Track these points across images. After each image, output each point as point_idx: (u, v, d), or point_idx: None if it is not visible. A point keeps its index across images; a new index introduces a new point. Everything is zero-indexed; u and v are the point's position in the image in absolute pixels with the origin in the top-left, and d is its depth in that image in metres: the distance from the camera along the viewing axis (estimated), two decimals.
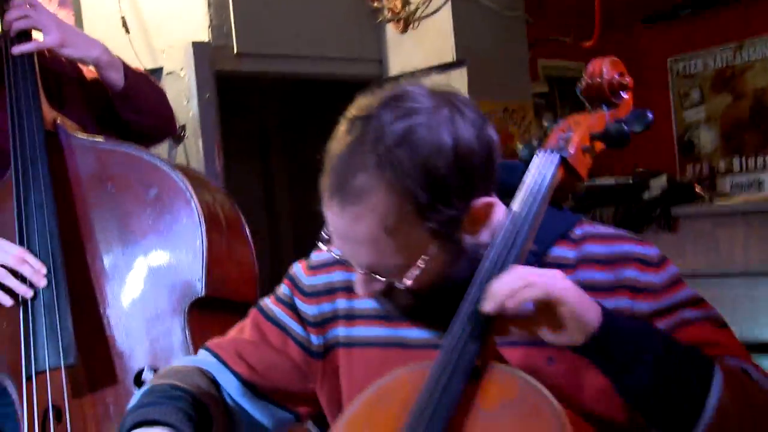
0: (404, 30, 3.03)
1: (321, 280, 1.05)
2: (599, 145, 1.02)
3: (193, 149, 2.61)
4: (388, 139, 0.83)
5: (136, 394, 1.00)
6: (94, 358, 1.47)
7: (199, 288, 1.50)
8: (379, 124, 0.84)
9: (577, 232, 0.97)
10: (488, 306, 0.80)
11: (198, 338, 1.46)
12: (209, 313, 1.52)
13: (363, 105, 0.87)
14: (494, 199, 0.91)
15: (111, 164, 1.55)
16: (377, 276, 0.88)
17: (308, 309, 1.04)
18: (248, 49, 2.78)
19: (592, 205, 2.80)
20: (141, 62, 2.53)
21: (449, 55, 2.95)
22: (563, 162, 0.96)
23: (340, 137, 0.87)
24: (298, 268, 1.08)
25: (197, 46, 2.66)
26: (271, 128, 3.97)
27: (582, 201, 2.61)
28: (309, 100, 3.61)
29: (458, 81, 2.94)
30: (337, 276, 1.04)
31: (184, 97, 2.67)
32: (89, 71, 1.71)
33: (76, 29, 1.71)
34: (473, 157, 0.86)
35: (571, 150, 0.97)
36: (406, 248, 0.86)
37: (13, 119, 1.50)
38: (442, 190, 0.84)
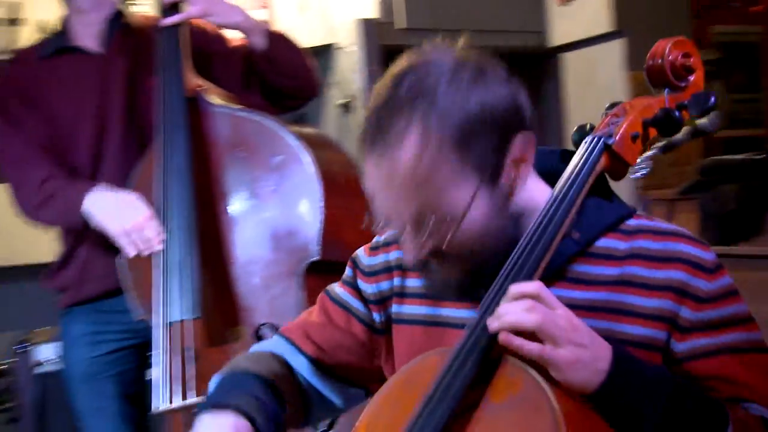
0: (565, 1, 3.09)
1: (379, 259, 1.08)
2: (653, 132, 0.99)
3: (360, 119, 2.73)
4: (422, 90, 0.86)
5: (213, 380, 1.03)
6: (220, 312, 1.58)
7: (315, 251, 1.55)
8: (413, 79, 0.87)
9: (631, 223, 0.93)
10: (492, 325, 0.81)
11: (314, 300, 1.51)
12: (326, 275, 1.55)
13: (396, 67, 0.91)
14: (528, 151, 0.90)
15: (242, 131, 1.64)
16: (425, 230, 0.88)
17: (368, 288, 1.07)
18: (414, 25, 2.89)
19: (716, 181, 2.40)
20: (316, 39, 2.68)
21: (608, 25, 3.00)
22: (607, 149, 0.95)
23: (376, 96, 0.90)
24: (360, 250, 1.12)
25: (365, 23, 2.80)
26: None
27: (707, 175, 2.27)
28: None
29: (616, 52, 2.98)
30: (393, 255, 1.06)
31: (352, 70, 2.81)
32: (234, 39, 1.80)
33: None
34: (500, 107, 0.87)
35: (617, 137, 0.96)
36: (448, 190, 0.87)
37: (159, 87, 1.64)
38: (473, 132, 0.86)
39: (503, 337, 0.80)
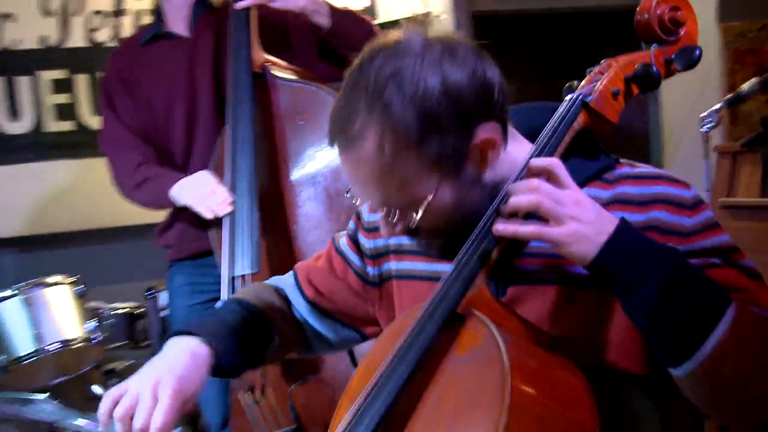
0: None
1: (377, 216, 1.08)
2: (635, 89, 0.98)
3: None
4: (377, 83, 0.85)
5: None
6: (281, 267, 1.74)
7: None
8: (369, 71, 0.86)
9: (615, 172, 0.95)
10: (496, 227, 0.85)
11: None
12: None
13: (359, 56, 0.90)
14: (495, 134, 0.89)
15: (302, 101, 1.78)
16: (393, 215, 0.92)
17: (366, 243, 1.12)
18: None
19: None
20: (413, 9, 2.77)
21: None
22: (584, 106, 0.95)
23: (343, 85, 0.91)
24: (364, 206, 1.13)
25: None
26: (528, 66, 3.93)
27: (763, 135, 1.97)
28: (564, 35, 3.48)
29: (710, 4, 2.78)
30: None
31: None
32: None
33: None
34: (463, 93, 0.86)
35: (596, 94, 0.95)
36: (410, 184, 0.88)
37: (230, 65, 1.81)
38: (433, 126, 0.85)
39: (497, 228, 0.84)
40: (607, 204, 0.90)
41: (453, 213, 0.91)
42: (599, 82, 0.96)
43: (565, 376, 0.81)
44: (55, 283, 2.12)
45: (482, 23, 2.87)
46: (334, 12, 1.85)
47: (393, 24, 2.94)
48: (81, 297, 2.16)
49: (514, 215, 0.85)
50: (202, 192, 1.78)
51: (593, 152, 0.96)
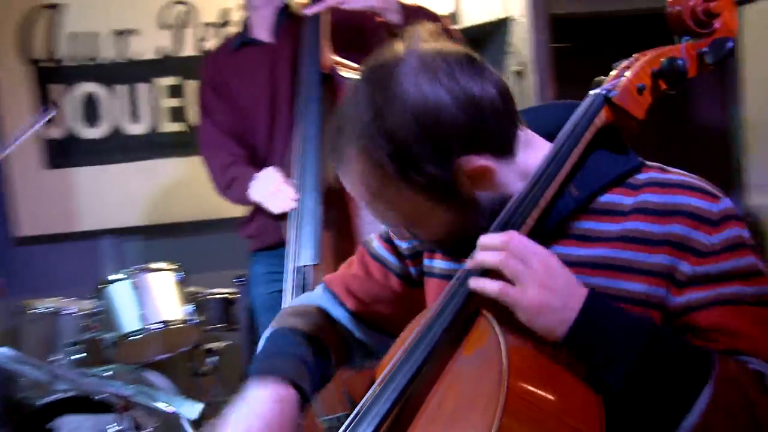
0: None
1: None
2: (662, 84, 0.93)
3: (531, 85, 2.85)
4: (359, 115, 0.85)
5: (264, 337, 1.08)
6: (344, 259, 1.83)
7: None
8: (357, 98, 0.86)
9: (641, 177, 0.89)
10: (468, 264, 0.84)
11: None
12: None
13: (359, 76, 0.90)
14: (484, 162, 0.86)
15: None
16: (396, 230, 0.94)
17: (402, 243, 1.09)
18: None
19: None
20: (495, 13, 2.85)
21: None
22: (607, 102, 0.90)
23: (338, 108, 0.92)
24: None
25: None
26: (606, 67, 3.79)
27: None
28: (642, 36, 3.39)
29: None
30: None
31: (524, 40, 2.90)
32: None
33: None
34: (443, 126, 0.83)
35: (618, 89, 0.91)
36: (401, 208, 0.89)
37: (302, 66, 1.93)
38: (409, 162, 0.84)
39: (470, 283, 0.82)
40: (629, 212, 0.87)
41: (453, 231, 0.90)
42: (624, 77, 0.92)
43: (568, 382, 0.78)
44: (159, 269, 2.36)
45: (561, 26, 2.88)
46: (405, 8, 1.91)
47: (477, 28, 2.98)
48: (181, 282, 2.38)
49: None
50: (269, 189, 1.92)
51: (621, 149, 0.92)
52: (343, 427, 0.86)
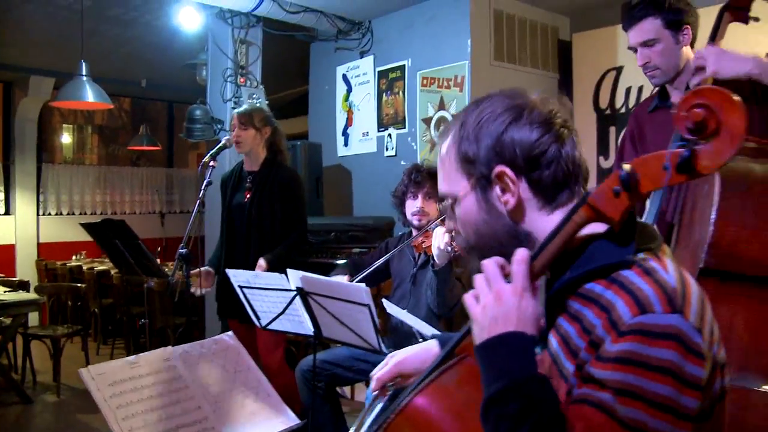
0: None
1: None
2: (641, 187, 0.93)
3: None
4: (462, 117, 1.11)
5: None
6: None
7: None
8: (460, 115, 1.12)
9: (623, 273, 0.93)
10: None
11: None
12: None
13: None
14: (508, 173, 1.04)
15: None
16: (448, 207, 1.14)
17: None
18: None
19: None
20: None
21: None
22: (585, 201, 0.96)
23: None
24: None
25: None
26: None
27: None
28: None
29: None
30: None
31: None
32: None
33: (728, 54, 1.95)
34: (503, 146, 1.04)
35: (597, 190, 0.95)
36: (455, 180, 1.10)
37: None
38: (468, 156, 1.08)
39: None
40: (597, 299, 0.93)
41: (479, 230, 1.09)
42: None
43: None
44: None
45: None
46: None
47: None
48: None
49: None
50: None
51: (626, 239, 0.96)
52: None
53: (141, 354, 1.77)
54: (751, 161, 1.84)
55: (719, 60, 1.95)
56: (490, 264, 0.99)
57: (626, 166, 0.92)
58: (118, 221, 3.23)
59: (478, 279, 1.00)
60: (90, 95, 4.69)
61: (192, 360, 1.86)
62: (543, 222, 1.05)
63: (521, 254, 0.98)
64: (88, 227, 3.39)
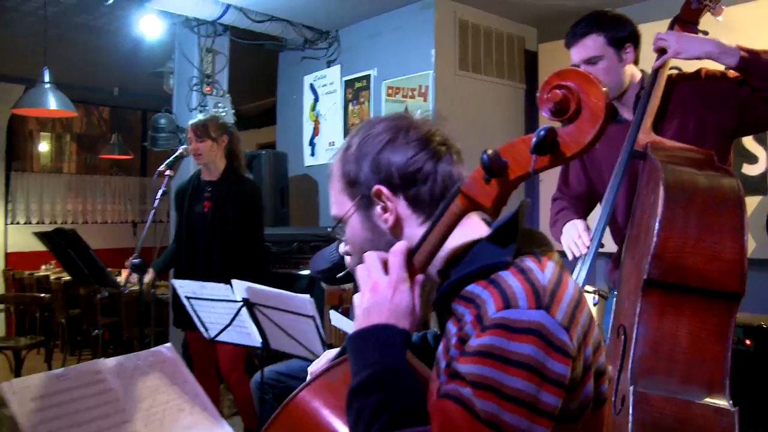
0: None
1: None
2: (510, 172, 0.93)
3: None
4: (349, 145, 1.12)
5: None
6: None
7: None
8: (347, 138, 1.14)
9: (501, 274, 0.93)
10: None
11: None
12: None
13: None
14: (384, 191, 1.06)
15: (653, 176, 1.92)
16: (337, 226, 1.15)
17: None
18: None
19: None
20: None
21: None
22: (460, 190, 0.97)
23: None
24: None
25: None
26: None
27: None
28: None
29: None
30: None
31: None
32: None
33: (687, 35, 2.02)
34: (385, 167, 1.06)
35: (469, 178, 0.96)
36: (341, 201, 1.12)
37: (625, 141, 2.09)
38: (350, 178, 1.09)
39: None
40: (474, 299, 0.93)
41: (364, 249, 1.08)
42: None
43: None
44: None
45: None
46: (744, 50, 1.94)
47: None
48: None
49: None
50: (572, 235, 2.25)
51: (506, 240, 0.97)
52: None
53: (70, 366, 1.73)
54: (697, 173, 1.86)
55: (680, 40, 2.01)
56: (371, 256, 1.02)
57: (489, 151, 0.92)
58: (69, 230, 3.20)
59: (359, 270, 1.02)
60: (53, 103, 4.64)
61: (126, 372, 1.83)
62: (416, 228, 1.07)
63: (398, 246, 1.01)
64: (41, 236, 3.36)
